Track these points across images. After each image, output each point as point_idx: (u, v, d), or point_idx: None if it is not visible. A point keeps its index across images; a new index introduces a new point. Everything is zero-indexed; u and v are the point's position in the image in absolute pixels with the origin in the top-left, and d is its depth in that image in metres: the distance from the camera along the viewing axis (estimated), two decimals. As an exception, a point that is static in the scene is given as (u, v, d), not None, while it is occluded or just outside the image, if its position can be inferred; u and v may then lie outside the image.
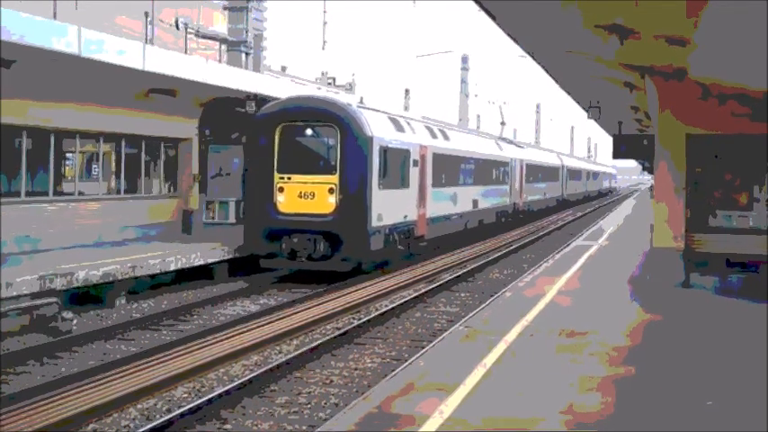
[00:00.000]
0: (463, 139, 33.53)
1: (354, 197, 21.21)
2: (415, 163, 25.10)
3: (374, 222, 21.68)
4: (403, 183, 24.14)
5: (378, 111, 24.98)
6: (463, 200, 30.96)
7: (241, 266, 21.99)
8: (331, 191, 21.11)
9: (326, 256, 21.07)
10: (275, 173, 21.39)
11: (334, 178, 21.16)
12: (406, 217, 24.26)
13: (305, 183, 21.26)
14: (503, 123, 56.19)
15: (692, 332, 12.95)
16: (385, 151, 22.35)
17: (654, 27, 13.12)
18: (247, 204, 22.36)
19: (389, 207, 22.68)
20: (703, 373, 10.42)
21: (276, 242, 21.19)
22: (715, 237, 16.95)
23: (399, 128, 24.44)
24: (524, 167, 43.65)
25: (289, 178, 21.32)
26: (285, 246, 21.11)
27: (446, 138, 29.70)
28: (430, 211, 26.53)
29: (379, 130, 22.34)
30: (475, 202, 32.92)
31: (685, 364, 10.88)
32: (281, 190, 21.32)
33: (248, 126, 22.52)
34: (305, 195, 21.21)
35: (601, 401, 8.95)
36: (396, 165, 23.37)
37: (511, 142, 47.69)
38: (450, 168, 29.22)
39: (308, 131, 21.60)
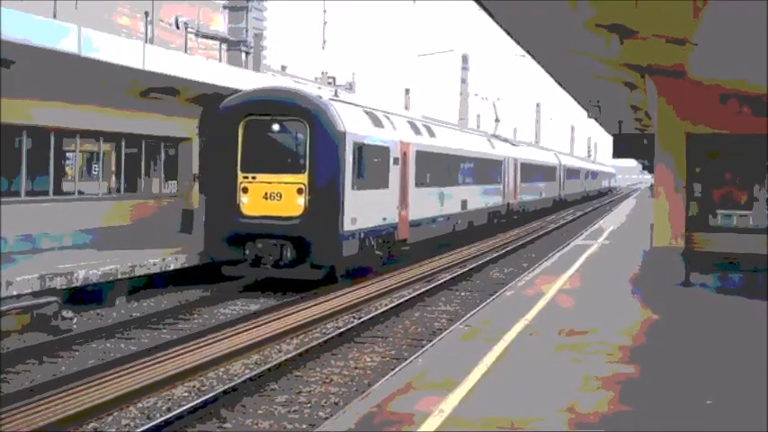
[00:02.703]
0: (451, 135, 31.76)
1: (325, 198, 19.53)
2: (396, 161, 23.44)
3: (347, 226, 19.98)
4: (381, 182, 22.45)
5: (353, 104, 23.16)
6: (451, 201, 29.26)
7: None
8: (299, 191, 19.43)
9: (294, 262, 19.43)
10: (239, 172, 19.76)
11: (303, 178, 19.46)
12: (384, 220, 22.63)
13: (271, 182, 19.60)
14: (497, 120, 55.27)
15: (691, 331, 12.96)
16: (360, 148, 20.68)
17: (654, 27, 13.13)
18: (208, 206, 20.53)
19: (365, 209, 21.03)
20: (703, 372, 10.42)
21: (239, 247, 19.61)
22: (715, 236, 16.96)
23: (377, 123, 22.72)
24: (519, 166, 42.38)
25: (253, 177, 19.68)
26: (249, 251, 19.53)
27: (431, 134, 27.96)
28: (413, 214, 24.85)
29: (354, 125, 20.67)
30: (464, 203, 31.28)
31: (685, 363, 10.89)
32: (245, 190, 19.68)
33: (211, 120, 20.72)
34: (271, 196, 19.56)
35: (601, 400, 8.95)
36: (373, 163, 21.72)
37: (506, 140, 46.31)
38: (435, 167, 27.42)
39: (275, 126, 19.89)
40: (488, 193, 35.87)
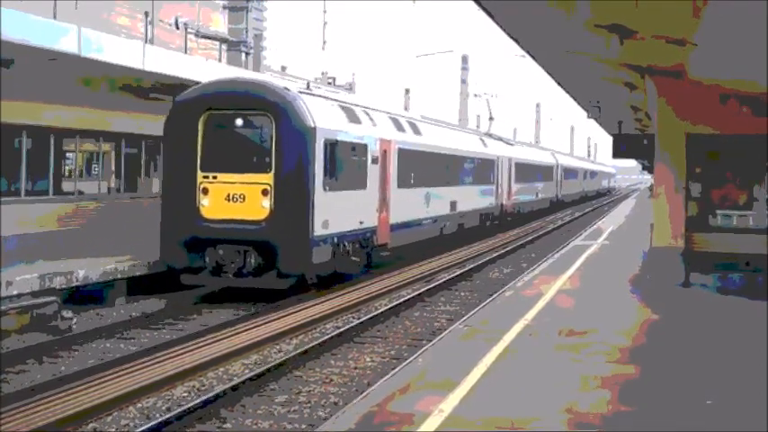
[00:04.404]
0: (438, 133, 29.99)
1: (293, 200, 17.87)
2: (375, 160, 21.66)
3: (318, 230, 18.24)
4: (357, 183, 20.64)
5: (326, 98, 21.34)
6: (438, 202, 27.52)
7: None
8: (265, 192, 17.77)
9: (259, 270, 17.86)
10: (198, 171, 18.11)
11: (269, 177, 17.79)
12: (362, 223, 20.85)
13: (234, 183, 17.97)
14: (491, 118, 54.20)
15: (691, 331, 12.96)
16: (333, 145, 18.91)
17: (654, 27, 13.13)
18: (165, 208, 18.58)
19: (339, 212, 19.24)
20: (703, 372, 10.43)
21: (199, 254, 18.05)
22: (715, 236, 16.97)
23: (354, 118, 20.90)
24: (513, 166, 40.97)
25: (214, 177, 18.05)
26: (209, 258, 17.95)
27: (416, 131, 26.13)
28: (395, 216, 23.05)
29: (326, 120, 18.94)
30: (453, 205, 29.55)
31: (685, 363, 10.90)
32: (206, 191, 18.05)
33: (168, 114, 18.96)
34: (234, 198, 17.92)
35: (600, 401, 8.96)
36: (348, 161, 19.98)
37: (500, 139, 44.80)
38: (421, 166, 25.64)
39: (238, 121, 18.15)
40: (480, 193, 34.40)
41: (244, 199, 17.94)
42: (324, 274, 19.32)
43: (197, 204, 18.10)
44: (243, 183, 18.01)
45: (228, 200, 18.00)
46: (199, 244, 18.04)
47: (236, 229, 17.84)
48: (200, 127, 18.26)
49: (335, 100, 21.68)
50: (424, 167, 26.17)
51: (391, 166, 23.02)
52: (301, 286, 18.56)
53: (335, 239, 19.24)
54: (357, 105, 22.61)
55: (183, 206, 18.14)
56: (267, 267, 17.91)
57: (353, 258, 20.50)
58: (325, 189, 18.56)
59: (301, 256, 17.99)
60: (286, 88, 19.21)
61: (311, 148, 18.12)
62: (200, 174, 18.18)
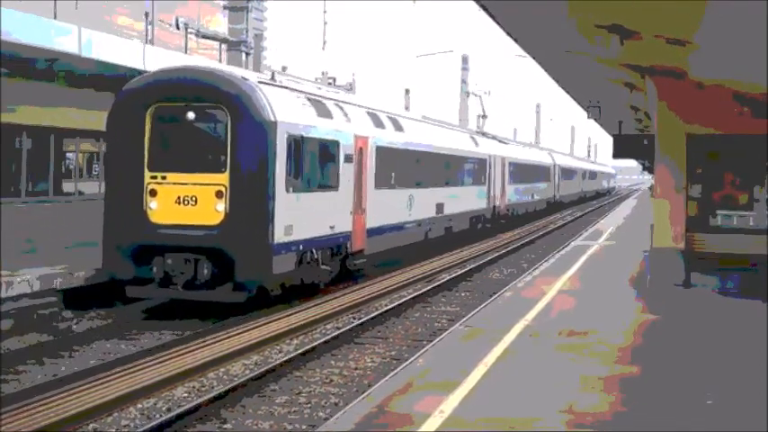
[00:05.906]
0: (423, 130, 27.98)
1: (250, 203, 16.11)
2: (348, 158, 19.77)
3: (280, 236, 16.44)
4: (327, 184, 18.91)
5: (291, 89, 19.16)
6: (422, 204, 25.71)
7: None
8: (219, 195, 16.03)
9: (213, 280, 16.11)
10: (145, 170, 16.32)
11: (224, 178, 16.05)
12: (333, 228, 18.95)
13: (185, 184, 16.21)
14: (484, 116, 53.13)
15: (692, 331, 12.97)
16: (297, 142, 17.14)
17: (654, 27, 13.13)
18: (108, 212, 16.68)
19: (305, 215, 17.48)
20: (704, 372, 10.44)
21: (147, 263, 16.26)
22: (715, 237, 16.99)
23: (324, 112, 19.04)
24: (507, 165, 39.38)
25: (163, 178, 16.27)
26: (157, 268, 16.12)
27: (398, 128, 24.21)
28: (372, 220, 21.18)
29: (290, 114, 17.15)
30: (440, 207, 27.68)
31: (685, 363, 10.90)
32: (154, 193, 16.27)
33: (112, 106, 17.09)
34: (185, 201, 16.15)
35: (601, 401, 8.97)
36: (316, 160, 18.27)
37: (493, 137, 43.13)
38: (402, 166, 23.80)
39: (189, 115, 16.31)
40: (470, 194, 32.52)
41: (196, 202, 16.19)
42: (288, 284, 17.56)
43: (144, 208, 16.31)
44: (195, 184, 16.24)
45: (179, 203, 16.25)
46: (146, 252, 16.29)
47: (187, 235, 16.08)
48: (147, 121, 16.43)
49: (302, 92, 19.52)
50: (407, 167, 24.44)
51: (368, 165, 21.14)
52: (261, 299, 16.81)
53: (301, 246, 17.43)
54: (329, 99, 20.79)
55: (128, 210, 16.38)
56: (222, 278, 16.21)
57: (323, 267, 18.71)
58: (288, 190, 16.81)
59: (260, 265, 16.20)
60: (244, 78, 17.38)
61: (272, 145, 16.34)
62: (147, 174, 16.39)
